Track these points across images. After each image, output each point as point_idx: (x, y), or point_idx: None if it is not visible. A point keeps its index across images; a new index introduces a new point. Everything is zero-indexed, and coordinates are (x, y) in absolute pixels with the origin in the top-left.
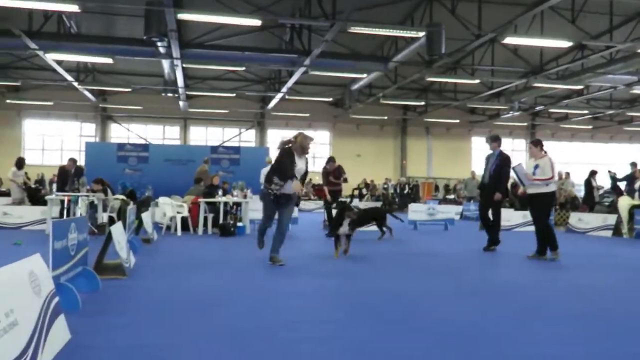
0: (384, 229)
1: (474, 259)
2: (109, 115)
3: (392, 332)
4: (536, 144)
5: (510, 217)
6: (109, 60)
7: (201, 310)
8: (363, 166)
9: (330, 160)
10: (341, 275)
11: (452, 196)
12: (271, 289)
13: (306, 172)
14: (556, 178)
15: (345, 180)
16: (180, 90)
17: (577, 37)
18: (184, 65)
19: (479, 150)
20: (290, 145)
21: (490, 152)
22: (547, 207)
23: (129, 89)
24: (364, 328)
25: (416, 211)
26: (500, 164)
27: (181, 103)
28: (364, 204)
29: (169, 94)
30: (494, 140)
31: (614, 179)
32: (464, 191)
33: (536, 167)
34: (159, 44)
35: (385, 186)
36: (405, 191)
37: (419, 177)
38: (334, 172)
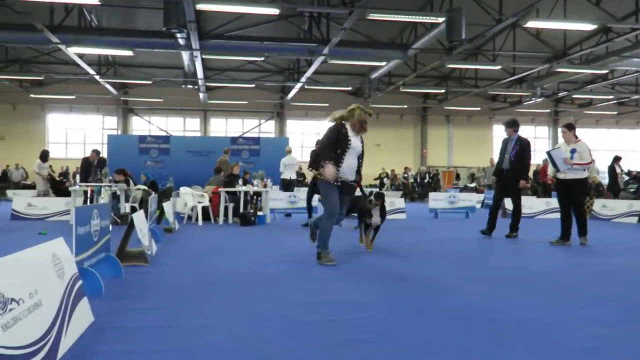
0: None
1: (497, 245)
2: (130, 108)
3: (413, 315)
4: (570, 127)
5: (533, 204)
6: (129, 53)
7: (221, 295)
8: (383, 155)
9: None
10: (359, 260)
11: (473, 184)
12: (289, 275)
13: (362, 156)
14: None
15: None
16: (200, 82)
17: (602, 20)
18: (203, 57)
19: (500, 137)
20: (343, 121)
21: (507, 137)
22: (584, 192)
23: (150, 82)
24: (384, 310)
25: (437, 199)
26: (520, 149)
27: (201, 95)
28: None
29: (189, 86)
30: (512, 125)
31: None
32: (484, 179)
33: (573, 151)
34: (178, 35)
35: (405, 175)
36: (426, 180)
37: (440, 166)
38: None
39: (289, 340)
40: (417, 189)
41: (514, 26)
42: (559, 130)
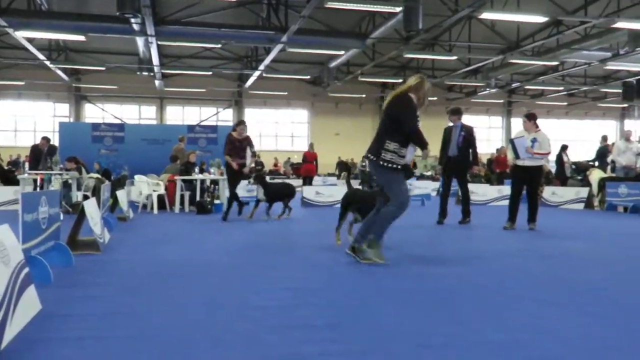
0: (289, 206)
1: (452, 231)
2: (83, 95)
3: (369, 299)
4: (531, 117)
5: (486, 191)
6: (81, 38)
7: (176, 282)
8: (342, 145)
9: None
10: (315, 247)
11: (429, 172)
12: (245, 262)
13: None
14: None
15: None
16: (156, 69)
17: (553, 13)
18: (159, 43)
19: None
20: (410, 93)
21: (450, 125)
22: (540, 180)
23: (103, 68)
24: (340, 294)
25: None
26: (468, 135)
27: (157, 82)
28: (342, 181)
29: (145, 73)
30: (456, 112)
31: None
32: (439, 167)
33: (534, 140)
34: (132, 20)
35: (364, 164)
36: None
37: None
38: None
39: (244, 325)
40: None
41: (469, 17)
42: (521, 120)
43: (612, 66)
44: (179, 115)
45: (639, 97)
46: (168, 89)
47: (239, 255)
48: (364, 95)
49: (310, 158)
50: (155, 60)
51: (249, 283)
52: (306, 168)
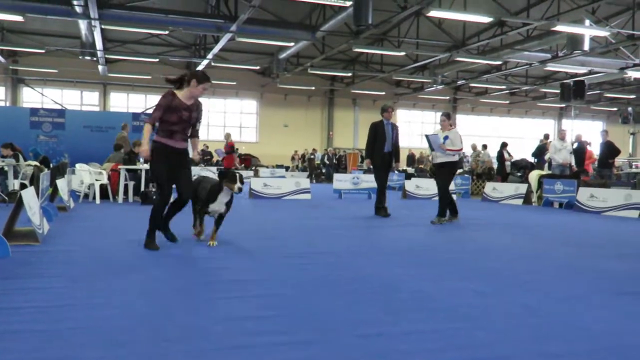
0: None
1: (386, 223)
2: (20, 78)
3: (312, 290)
4: (448, 117)
5: (430, 186)
6: (19, 18)
7: (118, 273)
8: (290, 136)
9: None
10: (262, 239)
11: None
12: (191, 254)
13: None
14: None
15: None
16: (99, 54)
17: (497, 14)
18: (103, 27)
19: (403, 122)
20: None
21: (380, 121)
22: (452, 176)
23: (43, 51)
24: (279, 285)
25: (341, 181)
26: (397, 132)
27: (100, 67)
28: (290, 174)
29: (87, 57)
30: (387, 110)
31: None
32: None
33: (446, 138)
34: (75, 2)
35: (312, 156)
36: (333, 161)
37: (347, 148)
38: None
39: (188, 317)
40: (324, 170)
41: (417, 14)
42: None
43: (551, 67)
44: (124, 102)
45: (575, 98)
46: (112, 74)
47: (182, 246)
48: (313, 88)
49: (226, 149)
50: (99, 44)
51: (189, 275)
52: (229, 160)
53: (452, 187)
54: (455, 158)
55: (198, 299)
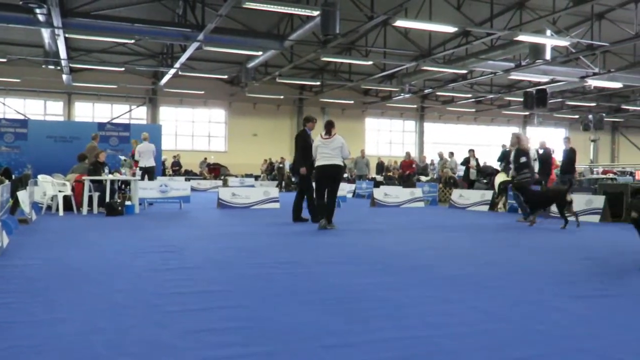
0: None
1: (346, 232)
2: None
3: (279, 300)
4: (332, 125)
5: (399, 193)
6: None
7: (80, 287)
8: (259, 145)
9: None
10: (229, 249)
11: (345, 175)
12: (157, 266)
13: None
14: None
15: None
16: (63, 63)
17: (462, 24)
18: (67, 36)
19: (372, 130)
20: None
21: (309, 131)
22: (339, 178)
23: (4, 60)
24: (242, 296)
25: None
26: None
27: (64, 76)
28: (260, 183)
29: (51, 67)
30: (311, 120)
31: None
32: (355, 170)
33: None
34: (37, 10)
35: (281, 165)
36: None
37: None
38: None
39: (151, 330)
40: (293, 179)
41: (384, 24)
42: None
43: (515, 76)
44: (89, 112)
45: (538, 106)
46: (77, 84)
47: (145, 259)
48: (282, 97)
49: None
50: (63, 53)
51: (153, 287)
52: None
53: (420, 193)
54: (339, 162)
55: (160, 312)
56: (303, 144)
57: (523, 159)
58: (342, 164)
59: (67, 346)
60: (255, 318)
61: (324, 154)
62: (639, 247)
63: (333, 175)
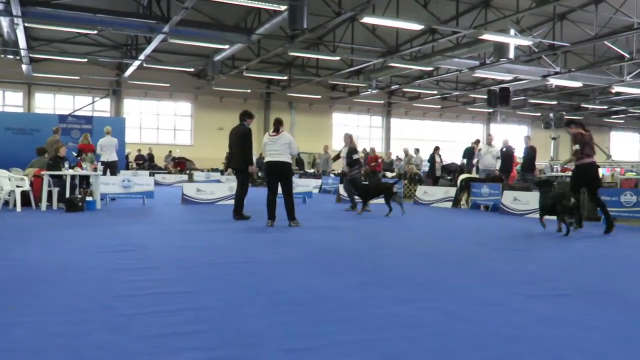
0: None
1: (320, 229)
2: None
3: (241, 302)
4: (280, 122)
5: None
6: None
7: (36, 289)
8: (226, 139)
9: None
10: (190, 247)
11: (312, 170)
12: (118, 265)
13: None
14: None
15: None
16: (23, 52)
17: (429, 21)
18: (27, 25)
19: (339, 125)
20: None
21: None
22: (290, 175)
23: None
24: (205, 297)
25: None
26: None
27: (24, 67)
28: (226, 177)
29: (10, 56)
30: (252, 117)
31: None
32: (320, 165)
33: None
34: None
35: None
36: None
37: None
38: None
39: (108, 335)
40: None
41: (352, 20)
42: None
43: (479, 74)
44: (50, 103)
45: (501, 104)
46: (37, 74)
47: (105, 258)
48: (249, 91)
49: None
50: (22, 43)
51: (112, 288)
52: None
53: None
54: (287, 159)
55: (118, 315)
56: (249, 141)
57: (355, 156)
58: (289, 160)
59: (20, 353)
60: (216, 321)
61: (272, 151)
62: (595, 244)
63: (281, 171)
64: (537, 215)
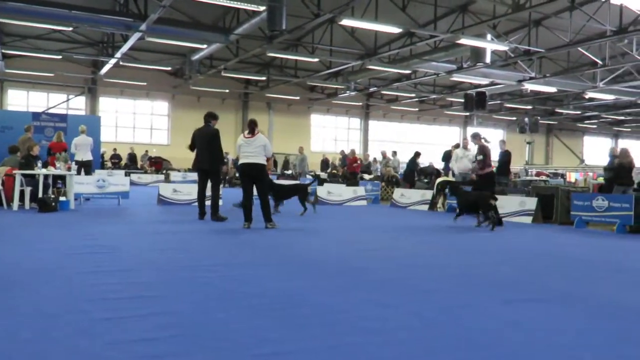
0: None
1: (298, 232)
2: None
3: (215, 306)
4: (255, 124)
5: (342, 192)
6: None
7: (4, 292)
8: None
9: None
10: (164, 249)
11: (290, 171)
12: (89, 267)
13: None
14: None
15: None
16: None
17: (407, 25)
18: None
19: (317, 126)
20: None
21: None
22: (265, 176)
23: None
24: (179, 300)
25: None
26: None
27: None
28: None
29: None
30: (216, 118)
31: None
32: (297, 167)
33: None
34: None
35: (226, 160)
36: None
37: None
38: None
39: (79, 340)
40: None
41: (331, 22)
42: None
43: (457, 78)
44: (23, 100)
45: (477, 108)
46: (10, 70)
47: (77, 259)
48: (227, 90)
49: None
50: None
51: (83, 292)
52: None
53: (363, 192)
54: (262, 160)
55: (89, 320)
56: (219, 141)
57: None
58: (264, 162)
59: None
60: (188, 325)
61: (246, 152)
62: (567, 248)
63: (255, 173)
64: (512, 219)
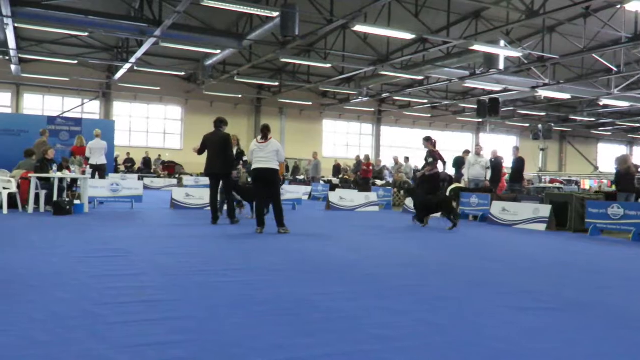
0: None
1: (309, 237)
2: None
3: (227, 312)
4: (268, 129)
5: (354, 197)
6: None
7: (20, 294)
8: None
9: None
10: (179, 254)
11: (302, 177)
12: (101, 271)
13: None
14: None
15: None
16: (12, 53)
17: (420, 31)
18: (16, 25)
19: (329, 132)
20: None
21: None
22: (278, 182)
23: None
24: (189, 305)
25: None
26: None
27: (13, 67)
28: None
29: None
30: (227, 123)
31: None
32: (311, 172)
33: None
34: None
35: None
36: None
37: None
38: None
39: (92, 344)
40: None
41: (344, 28)
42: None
43: (469, 84)
44: (39, 104)
45: (490, 114)
46: (26, 75)
47: (90, 263)
48: (240, 96)
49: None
50: (12, 43)
51: (97, 295)
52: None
53: (375, 198)
54: (275, 166)
55: (103, 324)
56: (231, 146)
57: (244, 158)
58: (277, 167)
59: None
60: (201, 330)
61: (259, 157)
62: (581, 256)
63: (268, 178)
64: (526, 226)
